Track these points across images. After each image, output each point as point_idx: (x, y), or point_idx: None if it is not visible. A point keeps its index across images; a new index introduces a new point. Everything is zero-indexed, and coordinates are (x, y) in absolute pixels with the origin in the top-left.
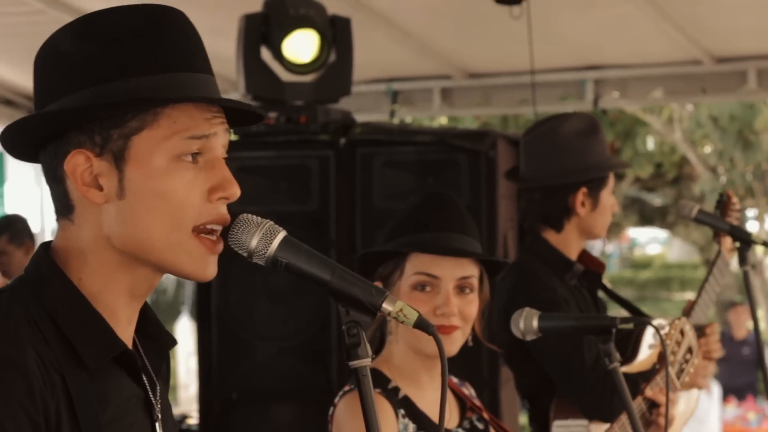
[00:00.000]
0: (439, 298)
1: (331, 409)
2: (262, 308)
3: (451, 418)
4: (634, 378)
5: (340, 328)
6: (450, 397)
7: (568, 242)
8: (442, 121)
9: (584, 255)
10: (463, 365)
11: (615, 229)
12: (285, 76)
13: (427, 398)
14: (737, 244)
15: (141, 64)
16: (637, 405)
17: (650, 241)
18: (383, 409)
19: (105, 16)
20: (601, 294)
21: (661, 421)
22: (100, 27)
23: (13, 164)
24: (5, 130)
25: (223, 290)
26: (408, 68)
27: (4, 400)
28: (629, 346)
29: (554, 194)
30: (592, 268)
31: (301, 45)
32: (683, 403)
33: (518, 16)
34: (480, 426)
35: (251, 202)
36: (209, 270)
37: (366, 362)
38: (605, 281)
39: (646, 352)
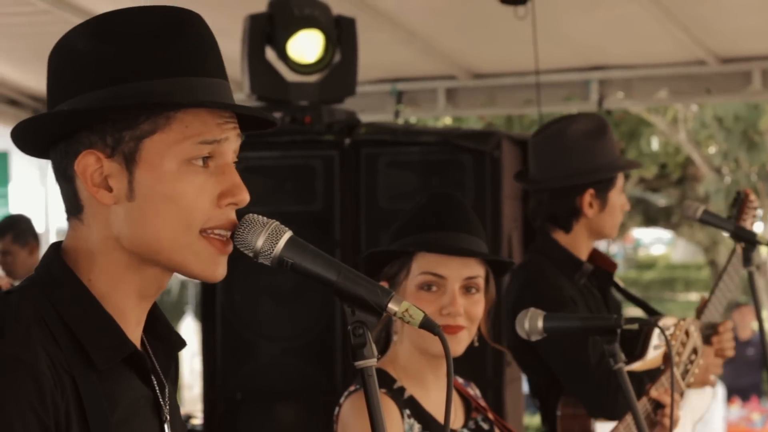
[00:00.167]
0: (445, 297)
1: (337, 409)
2: (266, 308)
3: (456, 419)
4: (640, 376)
5: (345, 328)
6: (455, 398)
7: (578, 242)
8: (447, 121)
9: (596, 254)
10: (467, 365)
11: (619, 230)
12: (290, 76)
13: (433, 398)
14: (742, 245)
15: (155, 66)
16: (642, 406)
17: (654, 241)
18: (389, 409)
19: (120, 16)
20: (615, 293)
21: (667, 421)
22: (116, 27)
23: (17, 164)
24: (17, 127)
25: (228, 290)
26: (413, 68)
27: (15, 401)
28: (638, 343)
29: (562, 195)
30: (603, 267)
31: (306, 45)
32: (696, 400)
33: (523, 17)
34: (485, 426)
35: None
36: (219, 270)
37: (372, 362)
38: (617, 280)
39: (652, 353)
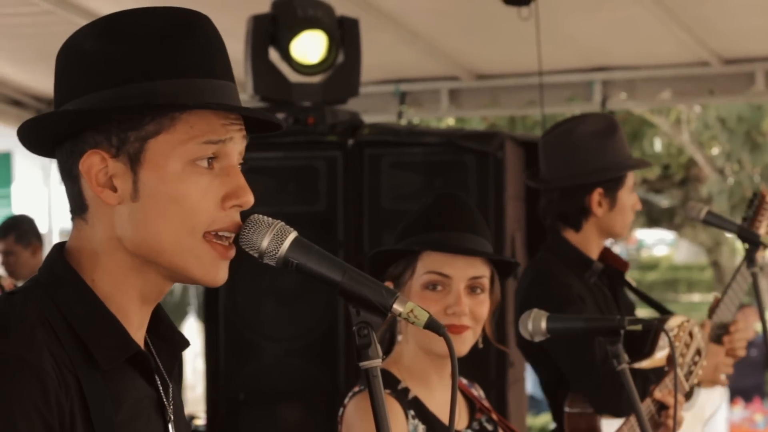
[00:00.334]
0: (450, 297)
1: (341, 409)
2: (269, 309)
3: (461, 419)
4: (646, 374)
5: (349, 329)
6: (459, 398)
7: (588, 241)
8: (450, 122)
9: (607, 253)
10: (470, 366)
11: None
12: (293, 76)
13: (437, 399)
14: (746, 246)
15: (162, 67)
16: (647, 407)
17: (657, 242)
18: (393, 410)
19: (128, 17)
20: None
21: (671, 422)
22: (123, 28)
23: (20, 165)
24: (23, 126)
25: (231, 291)
26: (416, 69)
27: (19, 402)
28: (647, 342)
29: (571, 194)
30: (614, 266)
31: (309, 46)
32: (707, 400)
33: (526, 18)
34: (489, 427)
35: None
36: (220, 275)
37: (376, 363)
38: (630, 279)
39: (660, 351)
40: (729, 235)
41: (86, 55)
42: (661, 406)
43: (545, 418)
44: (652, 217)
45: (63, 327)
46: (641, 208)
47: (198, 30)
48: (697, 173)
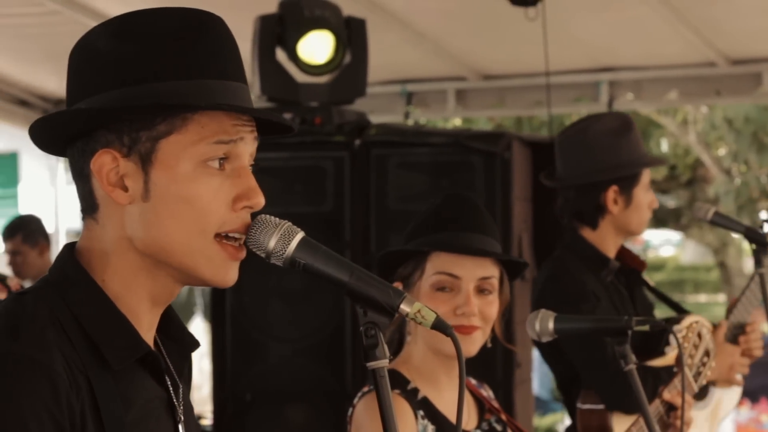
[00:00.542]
0: (460, 298)
1: (350, 409)
2: (276, 309)
3: (470, 420)
4: (658, 373)
5: (356, 329)
6: (468, 399)
7: (605, 239)
8: (457, 122)
9: (625, 252)
10: (477, 366)
11: None
12: (300, 77)
13: (446, 399)
14: (753, 246)
15: (174, 68)
16: (655, 408)
17: (664, 243)
18: (402, 410)
19: (141, 17)
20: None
21: (679, 423)
22: (136, 28)
23: (27, 164)
24: (35, 124)
25: (238, 291)
26: (423, 70)
27: (30, 402)
28: (662, 339)
29: (586, 192)
30: (631, 265)
31: (316, 46)
32: (724, 399)
33: (533, 18)
34: (498, 428)
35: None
36: (230, 276)
37: (383, 363)
38: (647, 278)
39: (672, 350)
40: (736, 236)
41: (99, 54)
42: (671, 407)
43: (552, 419)
44: (659, 218)
45: (74, 327)
46: (657, 206)
47: (211, 31)
48: (704, 174)
